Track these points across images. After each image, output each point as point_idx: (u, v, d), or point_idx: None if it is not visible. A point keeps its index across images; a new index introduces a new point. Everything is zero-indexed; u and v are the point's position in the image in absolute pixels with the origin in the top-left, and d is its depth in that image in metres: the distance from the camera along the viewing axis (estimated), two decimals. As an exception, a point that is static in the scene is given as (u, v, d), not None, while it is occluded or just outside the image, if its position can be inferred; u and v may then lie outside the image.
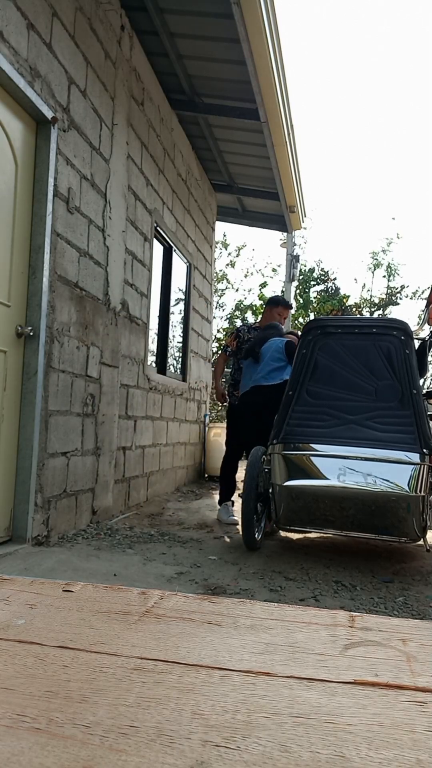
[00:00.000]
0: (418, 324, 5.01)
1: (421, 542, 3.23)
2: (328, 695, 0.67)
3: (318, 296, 18.63)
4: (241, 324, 4.60)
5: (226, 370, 5.31)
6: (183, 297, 6.51)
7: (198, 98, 5.44)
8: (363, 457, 3.17)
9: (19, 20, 2.88)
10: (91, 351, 3.83)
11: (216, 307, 18.42)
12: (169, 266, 5.87)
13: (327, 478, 3.19)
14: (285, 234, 11.18)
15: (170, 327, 5.95)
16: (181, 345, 6.46)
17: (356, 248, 34.56)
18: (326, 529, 3.29)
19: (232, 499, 4.63)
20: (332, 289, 19.03)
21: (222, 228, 20.03)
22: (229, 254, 18.67)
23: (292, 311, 15.92)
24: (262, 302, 19.21)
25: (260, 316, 4.74)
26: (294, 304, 17.12)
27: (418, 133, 50.78)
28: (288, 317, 4.74)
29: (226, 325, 18.12)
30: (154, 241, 5.26)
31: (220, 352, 4.97)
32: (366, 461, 3.15)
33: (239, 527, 3.94)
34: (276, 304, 4.69)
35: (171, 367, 6.13)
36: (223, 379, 5.18)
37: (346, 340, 3.58)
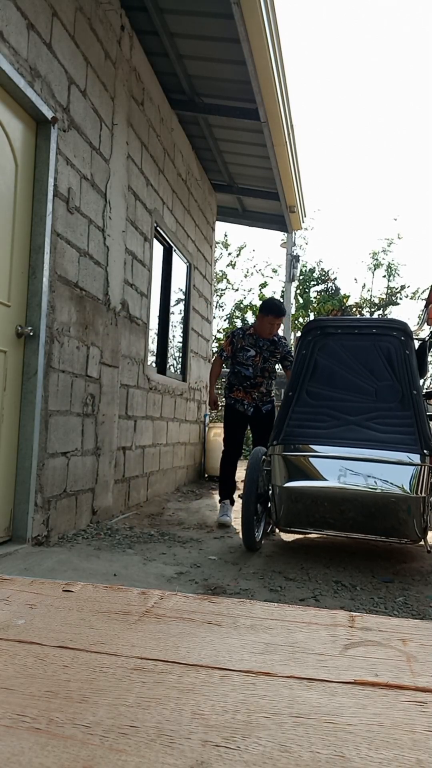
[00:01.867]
0: (418, 324, 5.01)
1: (421, 543, 3.22)
2: (328, 695, 0.67)
3: (318, 296, 18.64)
4: (237, 328, 5.05)
5: (224, 369, 5.27)
6: (183, 297, 6.51)
7: (198, 98, 5.44)
8: (363, 458, 3.16)
9: (19, 20, 2.88)
10: (91, 351, 3.83)
11: (216, 307, 18.42)
12: (169, 266, 5.87)
13: (327, 480, 3.19)
14: (285, 234, 11.19)
15: (170, 327, 5.96)
16: (181, 345, 6.46)
17: (357, 248, 34.59)
18: (327, 530, 3.28)
19: (233, 497, 4.56)
20: (332, 289, 19.04)
21: (222, 228, 20.02)
22: (230, 254, 18.68)
23: (292, 311, 15.92)
24: (262, 302, 19.19)
25: (254, 320, 4.59)
26: (294, 305, 17.11)
27: (418, 133, 50.77)
28: (281, 324, 4.56)
29: (226, 325, 18.12)
30: (154, 241, 5.26)
31: (215, 355, 4.77)
32: (366, 462, 3.15)
33: (238, 527, 3.93)
34: (268, 312, 4.40)
35: (171, 367, 6.13)
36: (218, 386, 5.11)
37: (346, 341, 3.58)
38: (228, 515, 4.39)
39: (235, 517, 4.45)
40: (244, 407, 4.53)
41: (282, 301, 4.64)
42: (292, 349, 4.73)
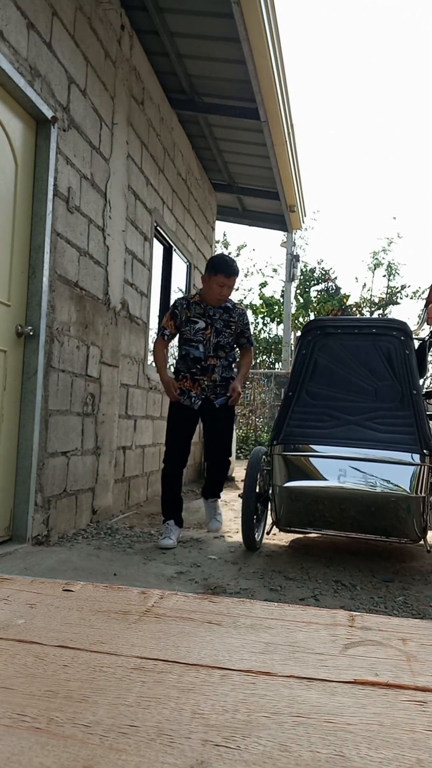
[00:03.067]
0: (418, 324, 5.01)
1: (421, 543, 3.23)
2: (328, 695, 0.67)
3: (318, 296, 18.64)
4: (179, 297, 3.82)
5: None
6: (183, 297, 6.51)
7: (198, 98, 5.43)
8: (363, 458, 3.16)
9: (19, 19, 2.88)
10: (91, 350, 3.83)
11: (216, 307, 18.42)
12: (169, 266, 5.87)
13: (327, 480, 3.19)
14: (285, 234, 11.19)
15: (170, 327, 5.95)
16: (181, 345, 6.45)
17: (357, 248, 34.60)
18: (327, 530, 3.29)
19: (181, 516, 3.64)
20: (332, 288, 19.04)
21: (222, 227, 20.03)
22: (229, 254, 18.68)
23: (292, 311, 15.90)
24: (262, 302, 19.22)
25: (201, 290, 3.66)
26: (294, 304, 17.11)
27: (418, 132, 50.75)
28: (233, 287, 3.59)
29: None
30: (154, 240, 5.26)
31: (156, 338, 3.71)
32: (366, 462, 3.15)
33: (236, 527, 3.86)
34: (215, 270, 3.47)
35: (171, 366, 6.13)
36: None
37: (346, 341, 3.58)
38: (171, 537, 3.49)
39: (235, 516, 4.45)
40: (190, 400, 3.57)
41: (234, 259, 3.63)
42: (251, 324, 3.92)
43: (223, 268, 3.47)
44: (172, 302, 3.65)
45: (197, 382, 3.58)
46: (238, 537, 3.87)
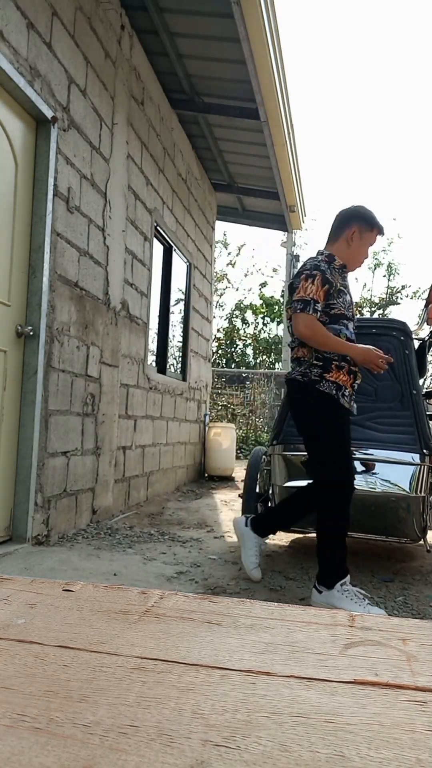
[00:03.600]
0: (418, 324, 5.01)
1: (421, 542, 3.23)
2: (328, 695, 0.67)
3: (318, 296, 18.60)
4: (312, 259, 2.58)
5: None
6: (183, 297, 6.51)
7: (198, 98, 5.44)
8: (363, 457, 3.16)
9: (19, 20, 2.88)
10: (91, 350, 3.82)
11: (216, 307, 18.41)
12: (169, 266, 5.87)
13: None
14: (286, 234, 11.18)
15: (170, 327, 5.95)
16: (181, 345, 6.46)
17: (356, 248, 34.51)
18: None
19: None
20: (332, 288, 19.00)
21: (222, 227, 20.01)
22: (229, 254, 18.67)
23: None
24: (262, 302, 19.21)
25: (337, 242, 2.72)
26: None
27: (418, 132, 50.76)
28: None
29: (225, 324, 18.09)
30: (154, 240, 5.26)
31: (304, 314, 2.50)
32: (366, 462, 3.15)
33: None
34: (372, 225, 2.68)
35: (171, 366, 6.13)
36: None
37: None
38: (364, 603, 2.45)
39: (235, 516, 4.44)
40: (348, 401, 2.60)
41: None
42: None
43: (379, 224, 2.72)
44: (312, 265, 2.60)
45: (353, 376, 2.61)
46: (238, 537, 3.87)
